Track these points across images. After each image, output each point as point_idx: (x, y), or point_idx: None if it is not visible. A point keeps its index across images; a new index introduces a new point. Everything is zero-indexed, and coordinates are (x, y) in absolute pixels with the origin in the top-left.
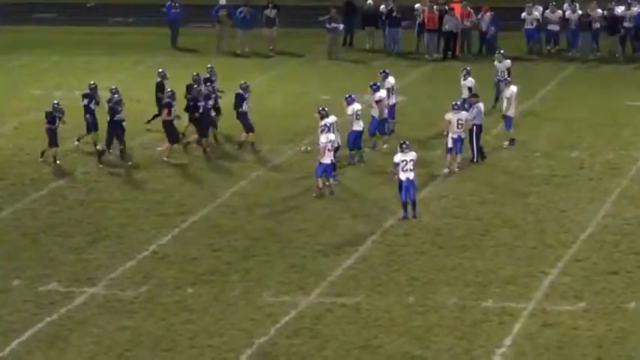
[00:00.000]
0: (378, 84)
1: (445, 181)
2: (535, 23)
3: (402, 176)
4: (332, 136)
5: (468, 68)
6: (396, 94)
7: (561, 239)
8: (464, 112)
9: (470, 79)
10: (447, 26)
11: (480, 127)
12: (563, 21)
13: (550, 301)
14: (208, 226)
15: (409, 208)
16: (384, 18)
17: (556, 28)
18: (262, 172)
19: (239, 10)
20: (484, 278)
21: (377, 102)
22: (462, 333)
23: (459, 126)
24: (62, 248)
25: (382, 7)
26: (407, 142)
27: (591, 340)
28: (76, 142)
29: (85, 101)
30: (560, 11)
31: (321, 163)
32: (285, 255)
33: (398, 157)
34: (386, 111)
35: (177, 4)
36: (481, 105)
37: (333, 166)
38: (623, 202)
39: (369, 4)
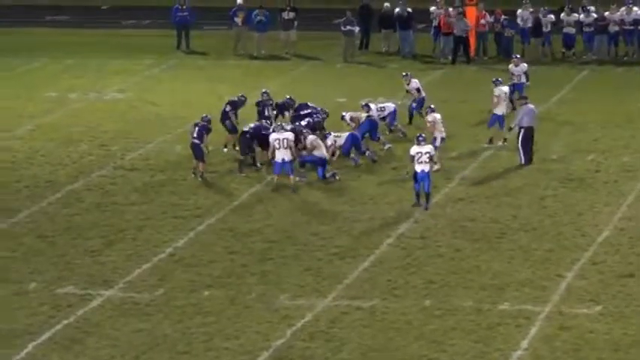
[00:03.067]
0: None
1: (461, 183)
2: (550, 26)
3: (418, 168)
4: (284, 135)
5: (500, 79)
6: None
7: (578, 242)
8: (429, 146)
9: (500, 87)
10: (455, 30)
11: (530, 130)
12: (579, 24)
13: (566, 304)
14: (225, 229)
15: (422, 199)
16: (396, 20)
17: (572, 31)
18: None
19: (254, 12)
20: (501, 281)
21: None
22: (478, 336)
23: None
24: (78, 251)
25: (397, 9)
26: (423, 135)
27: (608, 343)
28: (224, 149)
29: (228, 108)
30: (576, 14)
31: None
32: (301, 258)
33: (414, 150)
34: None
35: (184, 7)
36: (531, 106)
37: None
38: (639, 205)
39: (387, 6)
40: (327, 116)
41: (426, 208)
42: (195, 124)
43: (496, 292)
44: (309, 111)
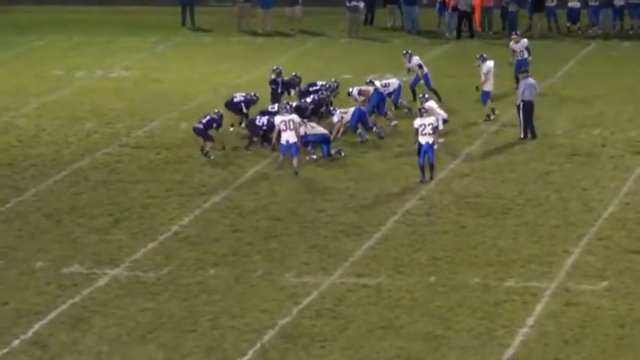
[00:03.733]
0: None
1: (467, 159)
2: (555, 0)
3: (422, 140)
4: (283, 117)
5: (485, 55)
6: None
7: (584, 218)
8: (432, 117)
9: (487, 62)
10: (460, 5)
11: (529, 104)
12: None
13: (573, 280)
14: (230, 207)
15: (426, 171)
16: None
17: (577, 5)
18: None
19: None
20: (506, 257)
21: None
22: (484, 313)
23: (427, 132)
24: (84, 229)
25: None
26: (425, 108)
27: (614, 319)
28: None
29: (241, 102)
30: None
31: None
32: (306, 236)
33: (417, 122)
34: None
35: None
36: (531, 80)
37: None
38: None
39: None
40: (338, 87)
41: (431, 178)
42: (206, 114)
43: (502, 268)
44: (316, 87)
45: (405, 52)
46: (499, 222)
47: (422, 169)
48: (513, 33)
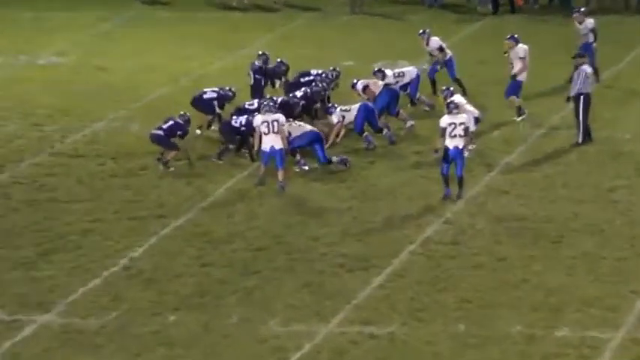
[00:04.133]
0: None
1: (505, 171)
2: None
3: (450, 144)
4: (265, 117)
5: (517, 36)
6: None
7: None
8: (465, 115)
9: (521, 45)
10: None
11: (587, 97)
12: None
13: None
14: (196, 233)
15: (453, 185)
16: None
17: None
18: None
19: None
20: (558, 299)
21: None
22: None
23: (457, 134)
24: (6, 263)
25: None
26: (455, 103)
27: None
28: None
29: (214, 100)
30: None
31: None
32: (296, 271)
33: (445, 120)
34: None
35: None
36: (587, 68)
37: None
38: None
39: None
40: (338, 78)
41: (459, 197)
42: (169, 119)
43: (552, 313)
44: (309, 78)
45: (421, 31)
46: (548, 253)
47: (447, 181)
48: (575, 10)
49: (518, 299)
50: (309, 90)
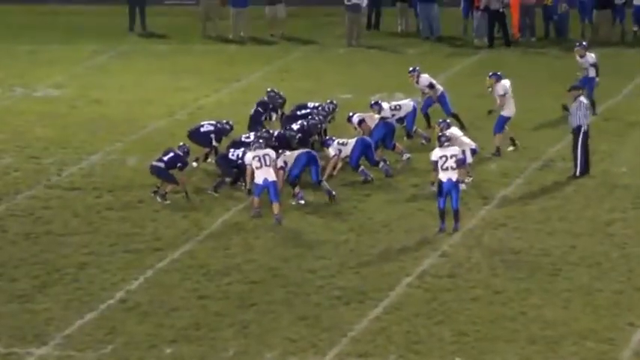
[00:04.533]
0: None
1: (502, 204)
2: None
3: (443, 176)
4: (256, 153)
5: (500, 73)
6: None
7: None
8: (456, 148)
9: (503, 82)
10: (488, 4)
11: (586, 130)
12: None
13: None
14: (192, 266)
15: (448, 218)
16: None
17: None
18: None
19: None
20: (554, 332)
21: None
22: None
23: (448, 166)
24: (2, 296)
25: None
26: (447, 135)
27: None
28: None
29: (211, 134)
30: None
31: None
32: (293, 304)
33: (436, 154)
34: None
35: None
36: (584, 100)
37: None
38: None
39: None
40: (335, 111)
41: (455, 229)
42: (169, 150)
43: (549, 346)
44: (307, 111)
45: (411, 68)
46: (545, 286)
47: (442, 215)
48: (577, 43)
49: (515, 332)
50: (305, 123)
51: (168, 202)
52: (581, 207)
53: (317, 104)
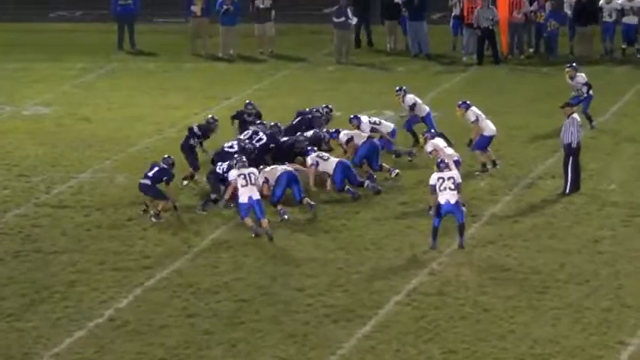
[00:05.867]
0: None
1: (491, 222)
2: (614, 15)
3: (442, 199)
4: (241, 171)
5: (468, 101)
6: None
7: None
8: (454, 171)
9: (472, 109)
10: (479, 22)
11: (578, 147)
12: None
13: None
14: (181, 285)
15: (438, 237)
16: (402, 8)
17: (634, 20)
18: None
19: (220, 0)
20: (543, 350)
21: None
22: None
23: (446, 187)
24: None
25: None
26: (445, 160)
27: None
28: (184, 183)
29: (193, 140)
30: None
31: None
32: (281, 322)
33: (434, 178)
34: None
35: None
36: (577, 117)
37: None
38: None
39: None
40: (329, 114)
41: (461, 246)
42: (154, 165)
43: None
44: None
45: (398, 88)
46: (533, 304)
47: (435, 234)
48: (568, 65)
49: (504, 350)
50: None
51: (162, 220)
52: (570, 224)
53: (314, 108)
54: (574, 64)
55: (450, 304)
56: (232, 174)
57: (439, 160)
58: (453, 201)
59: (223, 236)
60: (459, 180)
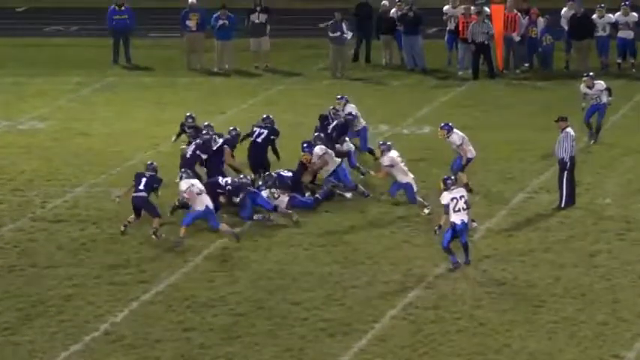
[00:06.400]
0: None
1: (487, 236)
2: (608, 29)
3: (456, 219)
4: (189, 181)
5: (450, 124)
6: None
7: None
8: (462, 189)
9: (455, 132)
10: (473, 36)
11: (572, 161)
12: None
13: None
14: (177, 298)
15: (459, 252)
16: (397, 22)
17: (630, 35)
18: (246, 227)
19: (216, 15)
20: None
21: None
22: None
23: (460, 207)
24: None
25: (393, 10)
26: (451, 178)
27: None
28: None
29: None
30: (635, 14)
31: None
32: (277, 335)
33: (445, 198)
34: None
35: (122, 8)
36: (571, 131)
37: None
38: None
39: (385, 4)
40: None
41: (467, 262)
42: (139, 175)
43: None
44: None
45: (339, 96)
46: (529, 318)
47: (450, 251)
48: (585, 75)
49: None
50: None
51: (163, 235)
52: (565, 238)
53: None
54: (591, 74)
55: (446, 318)
56: (182, 185)
57: (445, 177)
58: (466, 220)
59: (219, 250)
60: (467, 197)
